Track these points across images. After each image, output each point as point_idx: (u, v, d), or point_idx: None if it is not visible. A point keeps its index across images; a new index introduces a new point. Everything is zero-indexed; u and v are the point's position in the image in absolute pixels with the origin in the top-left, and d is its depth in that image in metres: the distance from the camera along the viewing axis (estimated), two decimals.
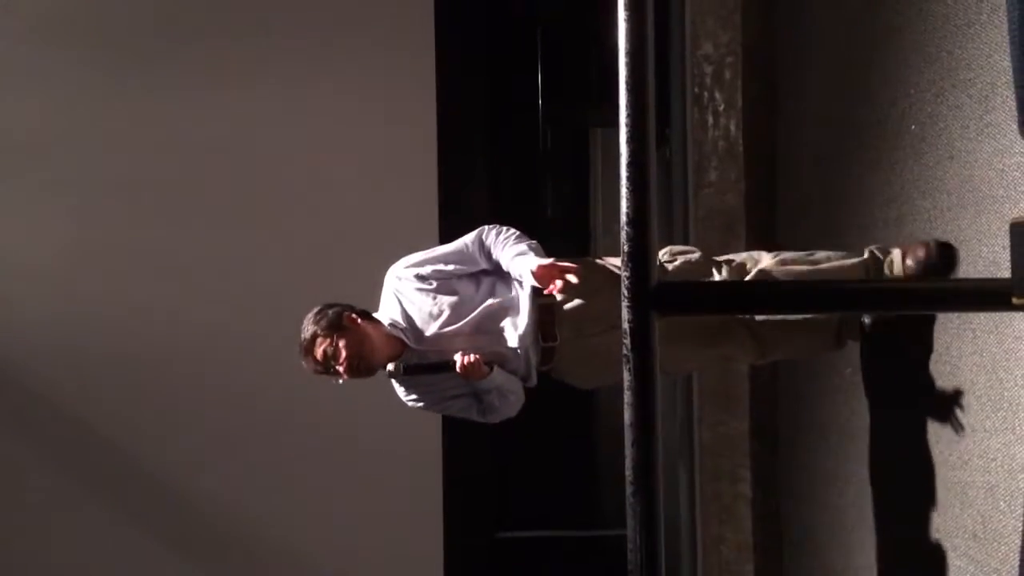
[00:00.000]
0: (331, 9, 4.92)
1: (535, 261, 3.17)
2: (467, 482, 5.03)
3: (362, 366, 3.22)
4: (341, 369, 3.20)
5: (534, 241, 3.31)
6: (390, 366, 3.21)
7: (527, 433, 4.06)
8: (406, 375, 3.23)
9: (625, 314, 1.50)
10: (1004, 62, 2.70)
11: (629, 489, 1.48)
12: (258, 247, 4.86)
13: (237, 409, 4.71)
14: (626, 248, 1.51)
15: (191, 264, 4.86)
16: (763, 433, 4.70)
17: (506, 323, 3.26)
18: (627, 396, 1.48)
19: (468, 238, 3.35)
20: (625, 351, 1.48)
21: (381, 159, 4.89)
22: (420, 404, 3.41)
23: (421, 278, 3.29)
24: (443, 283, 3.29)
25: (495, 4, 5.33)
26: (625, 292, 1.54)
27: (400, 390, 3.40)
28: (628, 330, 1.49)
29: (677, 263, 3.36)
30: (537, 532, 5.38)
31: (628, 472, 1.48)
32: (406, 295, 3.30)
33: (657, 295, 1.53)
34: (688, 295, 1.61)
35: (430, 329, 3.25)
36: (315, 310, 3.26)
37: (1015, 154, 2.73)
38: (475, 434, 4.08)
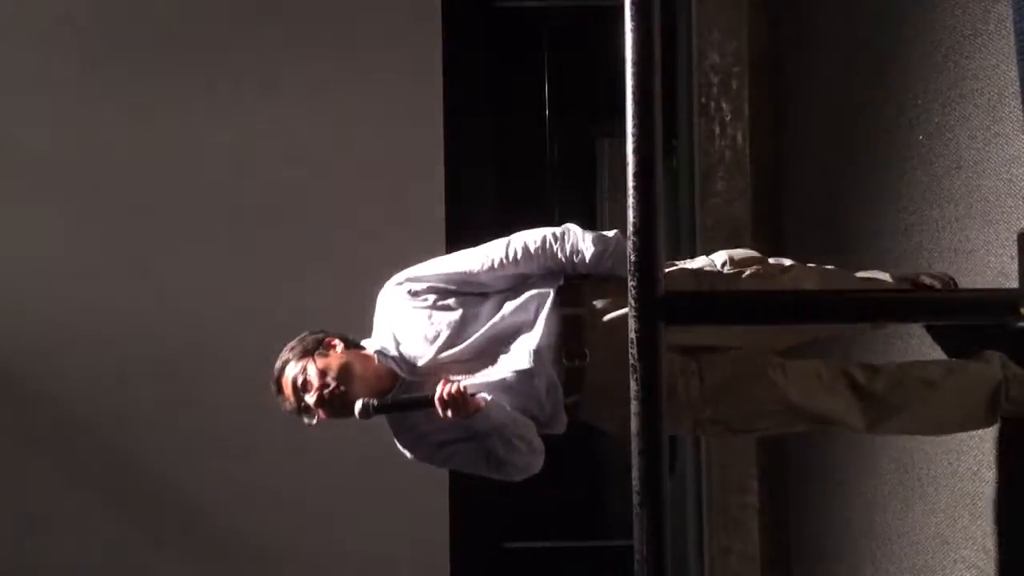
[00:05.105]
0: (335, 24, 4.92)
1: None
2: (473, 492, 5.02)
3: (337, 399, 2.68)
4: (312, 401, 2.68)
5: (614, 233, 2.71)
6: (358, 404, 2.63)
7: None
8: (378, 412, 2.64)
9: (632, 324, 1.50)
10: (1011, 72, 2.70)
11: (636, 499, 1.48)
12: (261, 253, 4.87)
13: (238, 414, 4.69)
14: (633, 258, 1.52)
15: (191, 267, 4.86)
16: (771, 444, 4.69)
17: (517, 342, 2.70)
18: (634, 406, 1.49)
19: (495, 251, 2.76)
20: (632, 361, 1.48)
21: (387, 172, 4.90)
22: (415, 456, 2.85)
23: (414, 295, 2.77)
24: (442, 299, 2.77)
25: (502, 15, 5.34)
26: (632, 302, 1.54)
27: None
28: (635, 340, 1.49)
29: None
30: (544, 542, 5.37)
31: (635, 482, 1.48)
32: (399, 316, 2.78)
33: (664, 305, 1.53)
34: (695, 305, 1.61)
35: (425, 355, 2.71)
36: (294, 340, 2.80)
37: (1023, 164, 2.73)
38: None
